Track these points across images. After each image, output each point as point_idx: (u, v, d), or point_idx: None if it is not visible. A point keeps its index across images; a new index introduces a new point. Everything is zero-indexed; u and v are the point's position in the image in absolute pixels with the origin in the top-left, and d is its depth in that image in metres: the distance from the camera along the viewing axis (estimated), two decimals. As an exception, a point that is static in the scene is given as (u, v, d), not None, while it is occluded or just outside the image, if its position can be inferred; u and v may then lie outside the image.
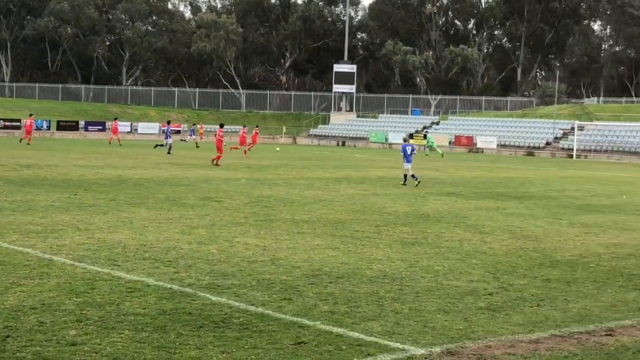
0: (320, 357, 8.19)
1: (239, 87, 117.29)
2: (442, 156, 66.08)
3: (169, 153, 50.44)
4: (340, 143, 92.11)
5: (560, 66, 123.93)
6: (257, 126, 69.39)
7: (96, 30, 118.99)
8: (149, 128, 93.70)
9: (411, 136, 79.41)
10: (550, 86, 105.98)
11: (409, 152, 31.38)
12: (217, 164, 40.34)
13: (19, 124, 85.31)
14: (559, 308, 10.90)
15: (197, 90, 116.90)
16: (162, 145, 55.63)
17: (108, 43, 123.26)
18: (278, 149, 67.74)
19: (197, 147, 63.90)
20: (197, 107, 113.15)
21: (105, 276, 11.77)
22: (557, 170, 50.88)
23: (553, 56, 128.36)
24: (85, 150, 53.05)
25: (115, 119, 72.93)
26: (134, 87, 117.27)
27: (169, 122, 58.13)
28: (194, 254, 13.95)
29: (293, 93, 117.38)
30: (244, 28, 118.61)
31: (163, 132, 70.63)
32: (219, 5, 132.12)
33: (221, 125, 45.15)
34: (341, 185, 30.39)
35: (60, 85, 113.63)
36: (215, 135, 45.04)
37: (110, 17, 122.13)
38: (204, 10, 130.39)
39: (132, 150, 55.00)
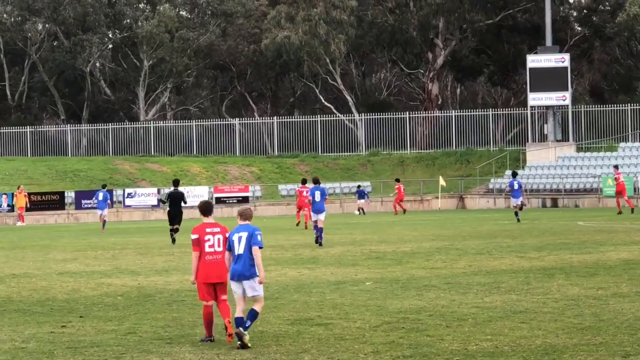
0: None
1: (353, 109, 70.68)
2: None
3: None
4: (547, 202, 55.86)
5: None
6: (397, 180, 52.85)
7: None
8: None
9: None
10: None
11: None
12: None
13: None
14: None
15: (275, 120, 70.58)
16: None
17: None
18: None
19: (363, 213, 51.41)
20: (275, 153, 68.45)
21: None
22: None
23: None
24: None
25: None
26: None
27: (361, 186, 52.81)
28: None
29: (454, 114, 68.86)
30: (359, 1, 70.46)
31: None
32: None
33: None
34: (554, 280, 18.66)
35: None
36: None
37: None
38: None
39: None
